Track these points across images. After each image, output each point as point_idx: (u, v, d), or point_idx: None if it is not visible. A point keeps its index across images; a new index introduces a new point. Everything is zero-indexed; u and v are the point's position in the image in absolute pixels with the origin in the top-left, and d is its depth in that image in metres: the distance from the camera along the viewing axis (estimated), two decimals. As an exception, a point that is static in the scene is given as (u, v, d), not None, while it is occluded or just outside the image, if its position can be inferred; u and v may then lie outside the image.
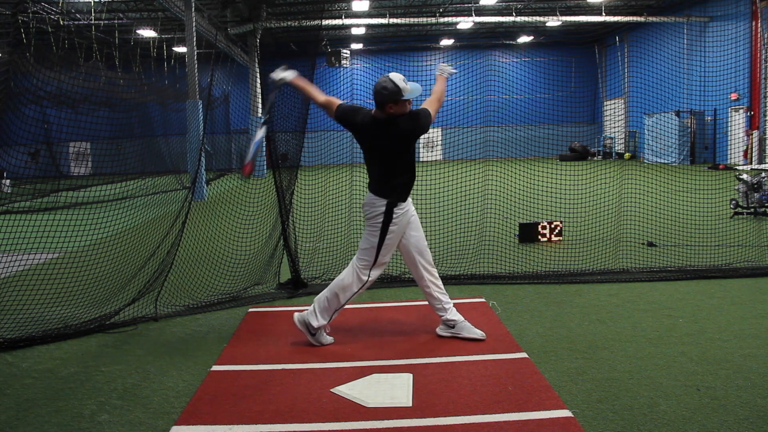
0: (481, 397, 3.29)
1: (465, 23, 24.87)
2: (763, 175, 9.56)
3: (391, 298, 5.30)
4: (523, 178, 8.77)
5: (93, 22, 20.31)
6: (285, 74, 4.27)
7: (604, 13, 24.17)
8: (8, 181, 16.80)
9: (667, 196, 8.90)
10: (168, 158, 18.93)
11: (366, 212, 4.10)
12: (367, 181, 4.16)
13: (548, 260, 6.67)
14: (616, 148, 28.39)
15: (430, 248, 4.40)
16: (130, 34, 22.60)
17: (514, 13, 23.83)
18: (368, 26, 25.31)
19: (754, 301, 4.98)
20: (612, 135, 29.08)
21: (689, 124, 22.30)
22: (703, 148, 22.21)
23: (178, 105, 19.45)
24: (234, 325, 4.69)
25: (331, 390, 3.43)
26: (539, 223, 7.78)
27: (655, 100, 18.75)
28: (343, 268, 4.25)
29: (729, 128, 21.25)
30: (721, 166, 18.25)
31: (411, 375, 3.61)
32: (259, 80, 15.55)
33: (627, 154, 27.55)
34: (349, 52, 25.97)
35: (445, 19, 24.58)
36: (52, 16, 18.74)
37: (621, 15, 24.51)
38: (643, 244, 7.32)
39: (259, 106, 18.09)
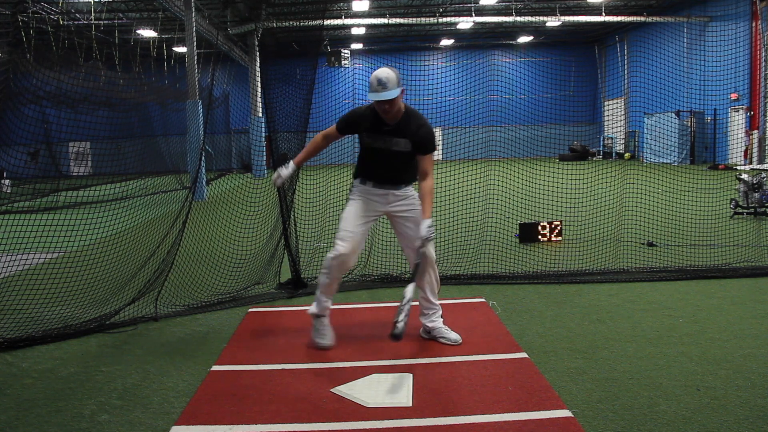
0: (481, 397, 3.29)
1: (465, 23, 24.86)
2: (763, 175, 9.55)
3: (391, 298, 5.29)
4: (523, 178, 8.77)
5: (93, 21, 20.31)
6: (282, 172, 4.19)
7: (604, 13, 24.17)
8: (8, 181, 16.78)
9: (667, 196, 8.91)
10: (168, 158, 18.92)
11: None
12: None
13: (548, 260, 6.67)
14: (616, 148, 28.39)
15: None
16: (130, 34, 22.60)
17: (514, 13, 23.83)
18: (368, 26, 25.30)
19: (754, 301, 4.98)
20: (612, 135, 29.07)
21: (689, 124, 22.29)
22: (703, 148, 22.20)
23: (178, 105, 19.45)
24: (234, 325, 4.68)
25: (331, 390, 3.43)
26: (539, 223, 7.78)
27: (655, 100, 18.73)
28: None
29: (729, 128, 21.24)
30: (721, 166, 18.23)
31: (411, 375, 3.61)
32: (259, 80, 15.54)
33: (627, 154, 27.56)
34: (349, 52, 25.98)
35: (445, 19, 24.57)
36: (52, 16, 18.73)
37: (621, 15, 24.52)
38: (643, 244, 7.32)
39: (259, 106, 18.06)
